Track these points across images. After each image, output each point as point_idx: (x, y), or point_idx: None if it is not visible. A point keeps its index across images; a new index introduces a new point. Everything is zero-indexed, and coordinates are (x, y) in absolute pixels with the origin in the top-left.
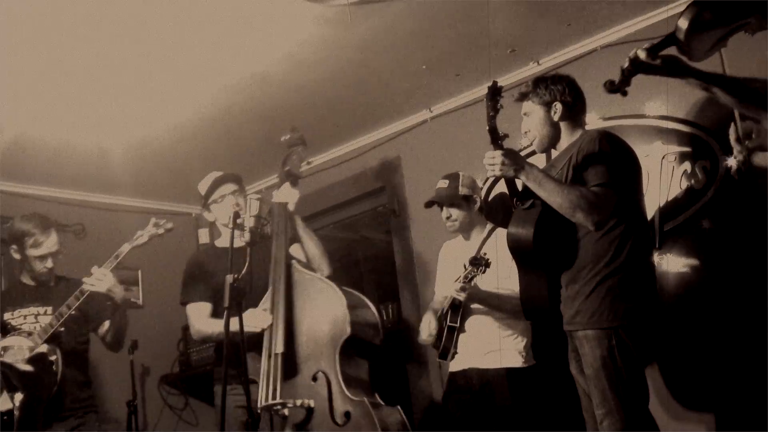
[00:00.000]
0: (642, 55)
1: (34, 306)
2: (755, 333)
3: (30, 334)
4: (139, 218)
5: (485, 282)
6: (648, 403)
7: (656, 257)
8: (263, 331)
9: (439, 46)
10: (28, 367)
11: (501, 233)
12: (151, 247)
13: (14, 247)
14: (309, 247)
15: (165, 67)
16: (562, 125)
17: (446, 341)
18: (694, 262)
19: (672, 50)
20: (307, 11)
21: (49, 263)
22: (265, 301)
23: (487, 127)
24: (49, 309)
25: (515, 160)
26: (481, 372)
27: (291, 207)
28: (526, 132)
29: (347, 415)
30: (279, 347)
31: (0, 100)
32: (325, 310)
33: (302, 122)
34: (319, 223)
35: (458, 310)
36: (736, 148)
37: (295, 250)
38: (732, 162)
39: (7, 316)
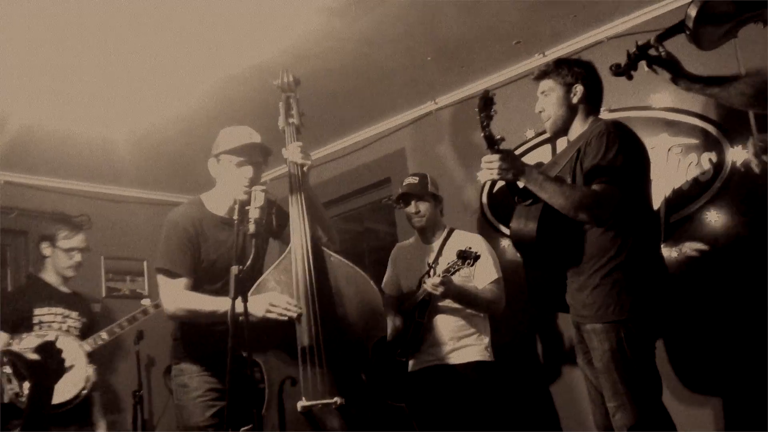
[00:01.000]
0: (650, 40)
1: (60, 307)
2: (760, 322)
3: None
4: (143, 209)
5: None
6: (661, 394)
7: (663, 249)
8: (290, 319)
9: (444, 38)
10: (35, 356)
11: (459, 235)
12: (157, 238)
13: (45, 243)
14: (322, 215)
15: (168, 59)
16: (578, 110)
17: (411, 338)
18: (700, 253)
19: (678, 43)
20: (310, 2)
21: (78, 257)
22: (280, 282)
23: (482, 135)
24: (74, 313)
25: (513, 164)
26: (445, 368)
27: (306, 168)
28: (540, 111)
29: (380, 418)
30: (311, 339)
31: (6, 90)
32: (360, 303)
33: (307, 114)
34: None
35: (426, 307)
36: (754, 161)
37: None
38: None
39: (37, 311)
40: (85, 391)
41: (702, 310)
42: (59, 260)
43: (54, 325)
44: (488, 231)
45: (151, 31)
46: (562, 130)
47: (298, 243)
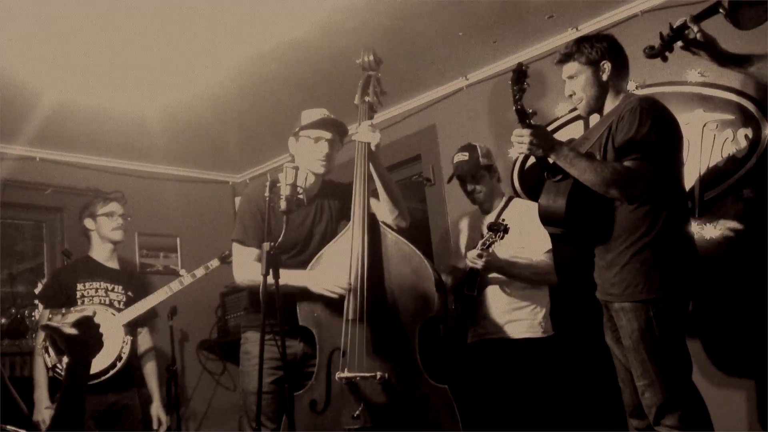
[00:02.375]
0: (685, 21)
1: (104, 281)
2: None
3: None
4: (176, 186)
5: (502, 252)
6: (691, 373)
7: (696, 226)
8: (340, 297)
9: (476, 13)
10: (73, 331)
11: (517, 203)
12: (189, 215)
13: (87, 218)
14: (392, 191)
15: (201, 35)
16: (609, 86)
17: (464, 311)
18: (735, 230)
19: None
20: None
21: (119, 220)
22: (337, 257)
23: (514, 108)
24: (119, 287)
25: (544, 140)
26: (500, 342)
27: (374, 147)
28: (571, 95)
29: (425, 397)
30: (356, 313)
31: (39, 67)
32: (412, 281)
33: (337, 90)
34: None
35: (476, 279)
36: None
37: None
38: None
39: (79, 286)
40: (120, 362)
41: (735, 289)
42: (104, 227)
43: (95, 299)
44: None
45: (183, 7)
46: (597, 109)
47: (357, 220)
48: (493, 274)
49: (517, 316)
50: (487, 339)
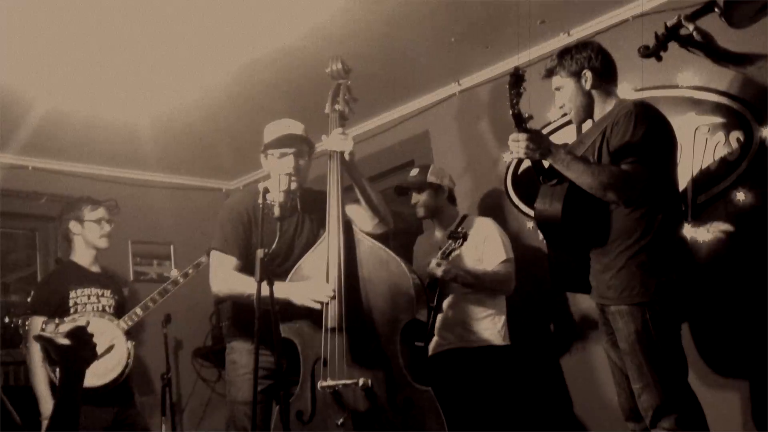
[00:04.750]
0: (680, 20)
1: (94, 287)
2: None
3: (110, 317)
4: (169, 194)
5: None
6: (687, 376)
7: (689, 229)
8: (324, 306)
9: (468, 18)
10: (66, 341)
11: (471, 220)
12: (182, 223)
13: (73, 222)
14: (370, 196)
15: (192, 43)
16: (595, 93)
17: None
18: (728, 233)
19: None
20: None
21: (107, 227)
22: (315, 267)
23: (511, 113)
24: (107, 292)
25: (540, 143)
26: (457, 352)
27: (348, 156)
28: (561, 106)
29: (408, 401)
30: (335, 321)
31: (31, 76)
32: (390, 286)
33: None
34: (347, 198)
35: (435, 289)
36: None
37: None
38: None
39: (71, 294)
40: (128, 369)
41: (729, 292)
42: (90, 232)
43: (89, 306)
44: (512, 212)
45: (175, 15)
46: (587, 117)
47: (332, 228)
48: (451, 285)
49: (475, 326)
50: (449, 349)
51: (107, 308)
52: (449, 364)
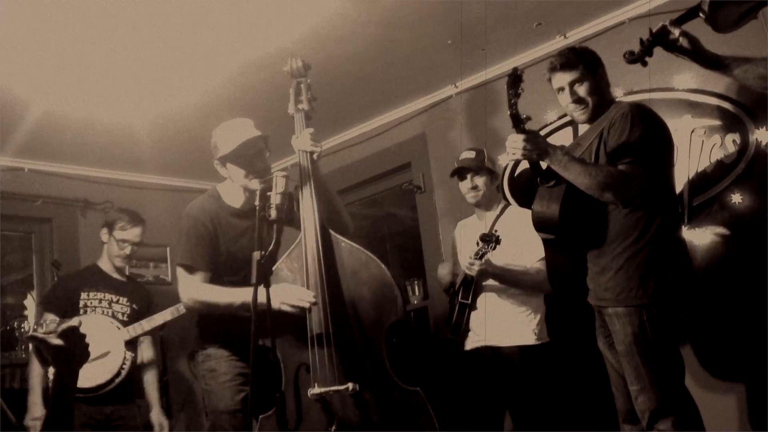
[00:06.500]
0: (665, 25)
1: (108, 293)
2: None
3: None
4: (166, 196)
5: (497, 260)
6: (684, 378)
7: (686, 231)
8: (307, 310)
9: (464, 21)
10: (59, 341)
11: (512, 212)
12: (177, 224)
13: (105, 229)
14: (335, 201)
15: (188, 45)
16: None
17: (458, 318)
18: (724, 235)
19: (697, 26)
20: None
21: (128, 250)
22: (292, 270)
23: (509, 113)
24: (123, 299)
25: (538, 144)
26: (494, 350)
27: (316, 156)
28: (575, 100)
29: (398, 403)
30: (320, 327)
31: (27, 78)
32: (371, 287)
33: (326, 99)
34: (344, 200)
35: (470, 287)
36: None
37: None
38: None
39: (83, 295)
40: (119, 378)
41: (725, 294)
42: (112, 248)
43: (98, 309)
44: None
45: (171, 18)
46: (597, 115)
47: (309, 231)
48: (489, 281)
49: (510, 324)
50: (483, 347)
51: (119, 315)
52: (480, 361)
